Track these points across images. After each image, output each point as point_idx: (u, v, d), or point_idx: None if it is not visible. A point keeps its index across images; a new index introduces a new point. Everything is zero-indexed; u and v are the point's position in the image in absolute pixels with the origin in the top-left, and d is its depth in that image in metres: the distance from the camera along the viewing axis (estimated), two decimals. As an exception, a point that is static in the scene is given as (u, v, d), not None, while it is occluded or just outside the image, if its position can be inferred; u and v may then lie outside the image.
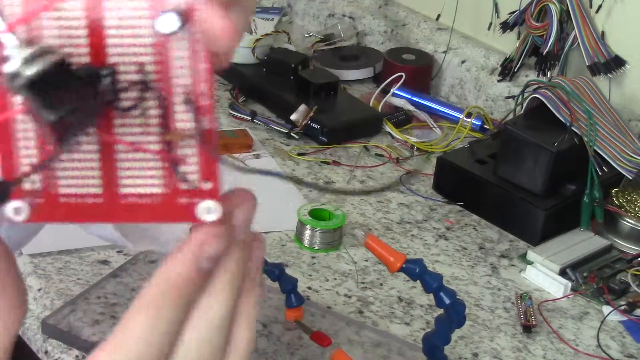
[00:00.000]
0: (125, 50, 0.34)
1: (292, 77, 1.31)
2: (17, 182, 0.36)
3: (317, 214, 1.02)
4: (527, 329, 0.92)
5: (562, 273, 0.99)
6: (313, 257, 0.99)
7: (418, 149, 1.24)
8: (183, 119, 0.35)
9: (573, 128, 1.06)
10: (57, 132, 0.33)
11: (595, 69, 1.20)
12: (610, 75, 1.19)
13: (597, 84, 1.16)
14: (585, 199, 1.05)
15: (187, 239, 0.35)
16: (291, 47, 1.42)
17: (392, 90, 1.33)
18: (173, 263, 0.35)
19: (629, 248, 1.05)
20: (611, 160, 1.07)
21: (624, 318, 0.95)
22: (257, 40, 1.35)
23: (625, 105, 1.20)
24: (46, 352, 0.82)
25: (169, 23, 0.33)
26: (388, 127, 1.27)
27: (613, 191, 1.07)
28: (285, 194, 1.11)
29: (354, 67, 1.42)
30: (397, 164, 1.21)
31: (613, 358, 0.90)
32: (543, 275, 0.99)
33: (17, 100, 0.34)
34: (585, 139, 1.05)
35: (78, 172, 0.36)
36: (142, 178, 0.36)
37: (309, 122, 1.23)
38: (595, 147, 1.05)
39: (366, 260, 1.00)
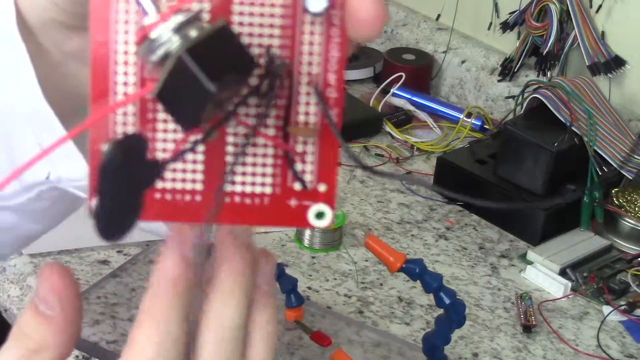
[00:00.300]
0: (251, 29, 0.31)
1: (292, 77, 1.31)
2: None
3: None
4: (527, 329, 0.92)
5: (562, 273, 0.99)
6: (313, 257, 0.99)
7: (418, 149, 1.24)
8: (307, 112, 0.31)
9: (573, 128, 1.06)
10: (213, 110, 0.29)
11: (595, 69, 1.20)
12: (610, 75, 1.19)
13: (597, 84, 1.16)
14: (585, 199, 1.05)
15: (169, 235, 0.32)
16: (291, 47, 1.42)
17: (392, 90, 1.33)
18: (161, 261, 0.33)
19: (629, 248, 1.05)
20: (611, 160, 1.07)
21: (624, 318, 0.95)
22: (257, 40, 1.35)
23: (625, 105, 1.20)
24: (46, 352, 0.82)
25: (318, 1, 0.29)
26: (388, 127, 1.27)
27: (613, 191, 1.07)
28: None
29: (354, 67, 1.41)
30: (397, 164, 1.21)
31: (613, 358, 0.90)
32: (543, 275, 0.99)
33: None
34: (585, 139, 1.05)
35: (179, 164, 0.32)
36: (251, 175, 0.32)
37: (309, 122, 1.23)
38: (595, 147, 1.05)
39: (366, 260, 1.00)
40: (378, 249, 0.74)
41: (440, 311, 0.75)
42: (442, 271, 0.99)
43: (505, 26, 1.31)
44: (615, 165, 1.07)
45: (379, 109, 1.31)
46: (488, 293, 0.97)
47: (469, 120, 1.28)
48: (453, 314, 0.75)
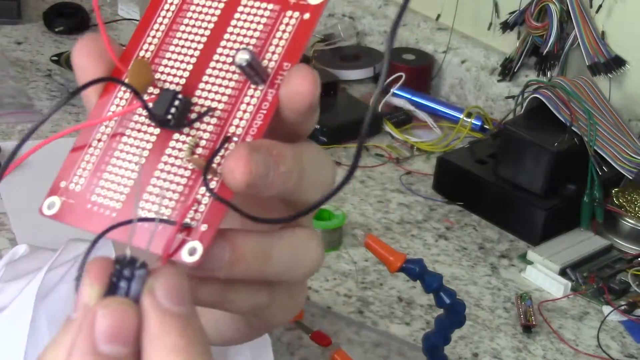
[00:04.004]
0: (211, 95, 0.37)
1: (292, 77, 1.31)
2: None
3: (317, 214, 1.02)
4: (527, 329, 0.92)
5: (562, 273, 0.99)
6: (313, 257, 0.99)
7: (418, 149, 1.24)
8: (223, 156, 0.36)
9: (573, 128, 1.06)
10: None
11: (595, 69, 1.20)
12: (610, 75, 1.19)
13: (597, 84, 1.16)
14: (585, 199, 1.05)
15: None
16: (291, 47, 1.42)
17: (392, 90, 1.33)
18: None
19: (629, 248, 1.05)
20: (611, 160, 1.07)
21: (624, 318, 0.95)
22: (257, 40, 1.35)
23: (625, 105, 1.20)
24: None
25: (242, 55, 0.35)
26: (388, 127, 1.27)
27: (613, 191, 1.07)
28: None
29: (354, 67, 1.41)
30: (397, 164, 1.21)
31: (613, 358, 0.90)
32: (543, 275, 0.99)
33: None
34: (585, 139, 1.05)
35: (112, 184, 0.36)
36: (157, 204, 0.36)
37: (309, 122, 1.23)
38: (595, 147, 1.05)
39: (366, 260, 1.00)
40: (378, 249, 0.74)
41: (440, 311, 0.75)
42: (442, 271, 0.99)
43: (505, 26, 1.31)
44: (615, 165, 1.07)
45: (379, 109, 1.31)
46: (488, 293, 0.97)
47: (469, 120, 1.28)
48: (453, 314, 0.74)
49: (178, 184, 0.35)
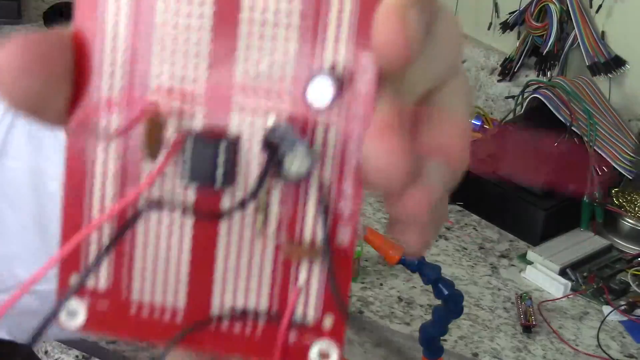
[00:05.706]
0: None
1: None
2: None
3: None
4: (527, 329, 0.92)
5: (562, 273, 0.99)
6: (313, 257, 0.99)
7: (418, 149, 1.24)
8: (313, 227, 0.25)
9: (573, 128, 1.06)
10: None
11: (595, 69, 1.20)
12: (610, 75, 1.19)
13: (597, 84, 1.16)
14: (585, 199, 1.05)
15: None
16: (291, 47, 1.42)
17: (392, 90, 1.33)
18: None
19: (629, 248, 1.05)
20: (611, 160, 1.06)
21: (624, 318, 0.95)
22: (257, 40, 1.35)
23: (625, 105, 1.20)
24: (46, 352, 0.82)
25: (323, 90, 0.24)
26: (388, 127, 1.27)
27: (613, 191, 1.07)
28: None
29: (354, 67, 1.41)
30: (397, 164, 1.21)
31: (613, 358, 0.90)
32: (543, 275, 0.99)
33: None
34: (585, 138, 1.05)
35: (161, 275, 0.26)
36: (243, 295, 0.26)
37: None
38: (595, 147, 1.05)
39: (366, 260, 1.00)
40: (377, 243, 0.74)
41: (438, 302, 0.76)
42: (442, 271, 0.99)
43: (505, 26, 1.31)
44: (615, 165, 1.07)
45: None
46: (488, 293, 0.97)
47: (469, 120, 1.28)
48: (451, 304, 0.75)
49: (260, 270, 0.25)
